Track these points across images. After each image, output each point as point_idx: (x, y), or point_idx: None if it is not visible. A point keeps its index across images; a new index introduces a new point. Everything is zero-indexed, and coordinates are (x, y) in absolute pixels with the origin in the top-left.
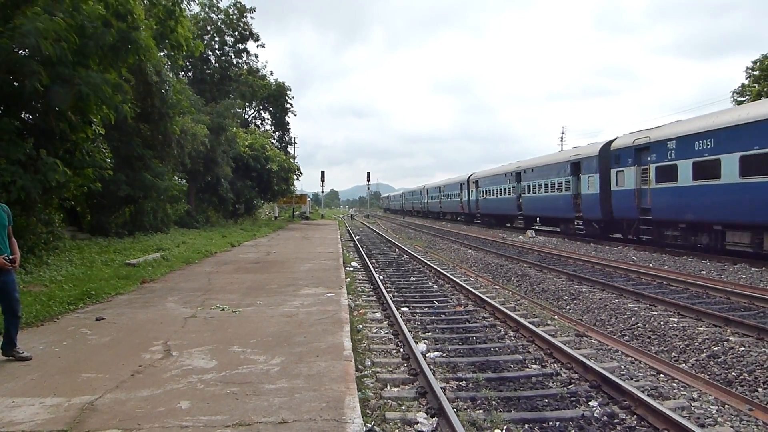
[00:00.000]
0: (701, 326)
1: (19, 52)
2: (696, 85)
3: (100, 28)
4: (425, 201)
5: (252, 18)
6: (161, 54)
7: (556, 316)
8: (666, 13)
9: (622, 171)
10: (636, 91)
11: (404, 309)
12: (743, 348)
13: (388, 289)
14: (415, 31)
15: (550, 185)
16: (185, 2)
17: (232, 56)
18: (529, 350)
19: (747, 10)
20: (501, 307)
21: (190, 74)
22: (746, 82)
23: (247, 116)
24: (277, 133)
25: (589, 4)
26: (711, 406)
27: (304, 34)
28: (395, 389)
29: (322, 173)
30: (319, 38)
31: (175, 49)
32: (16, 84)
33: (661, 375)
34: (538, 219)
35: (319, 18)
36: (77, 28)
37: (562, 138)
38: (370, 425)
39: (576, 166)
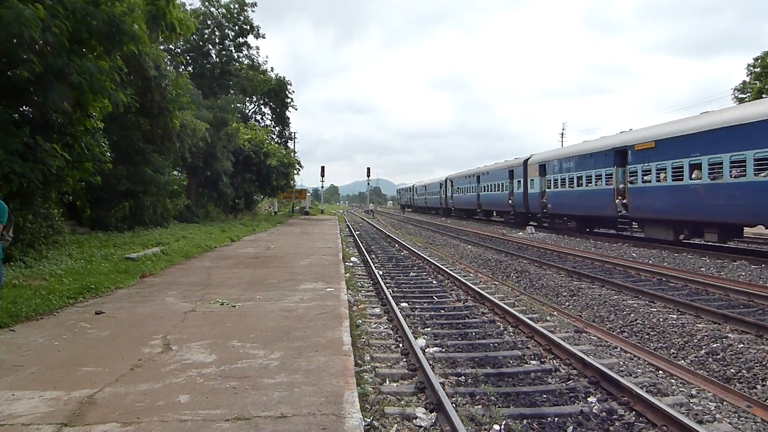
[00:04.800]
0: (700, 323)
1: (13, 41)
2: (690, 82)
3: (91, 10)
4: (510, 189)
5: (253, 11)
6: (160, 45)
7: (555, 312)
8: (655, 13)
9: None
10: (631, 88)
11: (404, 304)
12: (742, 345)
13: (387, 285)
14: (411, 29)
15: None
16: None
17: (233, 50)
18: (528, 346)
19: (736, 10)
20: (500, 303)
21: (190, 68)
22: (747, 79)
23: (247, 111)
24: (277, 128)
25: (580, 5)
26: (709, 403)
27: (303, 32)
28: (394, 384)
29: (322, 168)
30: (317, 36)
31: (170, 31)
32: (9, 74)
33: (660, 371)
34: None
35: (317, 16)
36: (69, 13)
37: (562, 134)
38: (369, 420)
39: None
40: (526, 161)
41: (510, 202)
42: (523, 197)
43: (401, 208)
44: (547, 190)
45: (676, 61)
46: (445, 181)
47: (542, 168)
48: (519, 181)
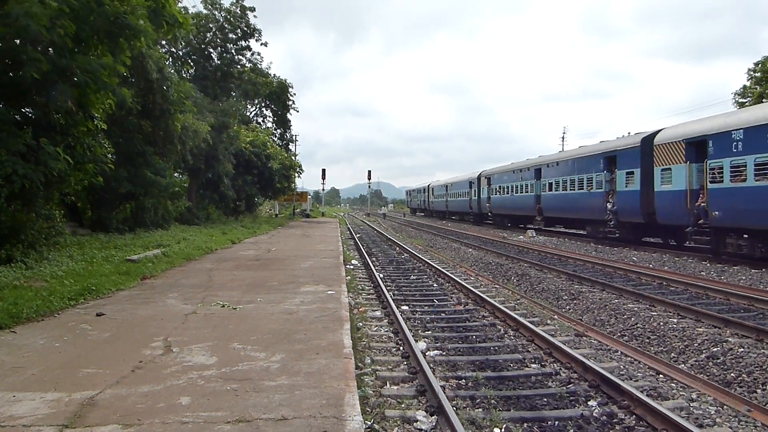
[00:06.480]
0: (701, 327)
1: (16, 41)
2: (689, 87)
3: (95, 9)
4: (639, 187)
5: (255, 16)
6: (162, 48)
7: (555, 316)
8: (652, 18)
9: None
10: (630, 93)
11: (404, 307)
12: (742, 349)
13: (388, 288)
14: (411, 33)
15: None
16: None
17: (234, 53)
18: (529, 349)
19: (733, 15)
20: (501, 307)
21: (192, 71)
22: (748, 84)
23: (249, 113)
24: (278, 130)
25: (578, 10)
26: (710, 407)
27: (304, 36)
28: (395, 387)
29: (323, 171)
30: (318, 40)
31: (170, 25)
32: (11, 74)
33: (661, 375)
34: None
35: (318, 20)
36: (71, 13)
37: (563, 138)
38: (369, 423)
39: None
40: (691, 139)
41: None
42: (684, 199)
43: (411, 212)
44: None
45: (674, 66)
46: (478, 178)
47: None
48: (670, 171)
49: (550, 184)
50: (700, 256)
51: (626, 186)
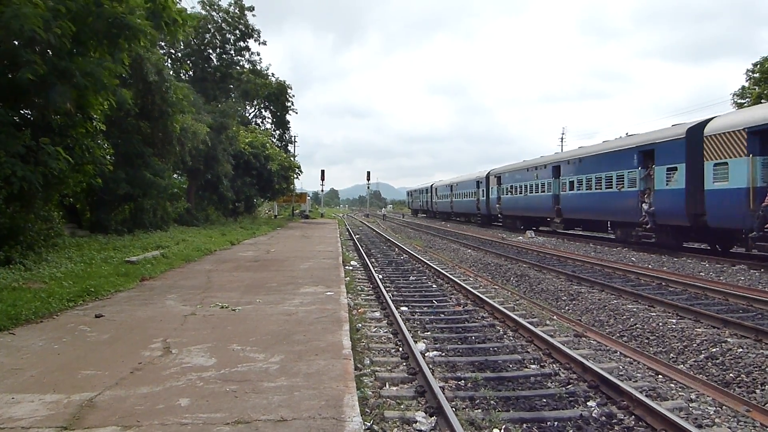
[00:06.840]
0: (700, 327)
1: (14, 42)
2: (688, 88)
3: (93, 10)
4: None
5: (254, 15)
6: (161, 50)
7: (555, 317)
8: (650, 19)
9: None
10: (629, 93)
11: (403, 308)
12: (741, 349)
13: (387, 289)
14: (410, 34)
15: None
16: None
17: (233, 54)
18: (528, 350)
19: (731, 17)
20: (500, 307)
21: (191, 72)
22: (746, 84)
23: (248, 114)
24: (277, 131)
25: (576, 11)
26: (709, 407)
27: (303, 37)
28: (394, 388)
29: (322, 172)
30: (317, 41)
31: (170, 26)
32: (10, 76)
33: (660, 376)
34: None
35: (317, 21)
36: (70, 14)
37: (562, 139)
38: (369, 424)
39: None
40: None
41: None
42: None
43: (413, 213)
44: None
45: (673, 67)
46: (487, 177)
47: None
48: (726, 166)
49: (572, 183)
50: (698, 257)
51: (667, 184)
